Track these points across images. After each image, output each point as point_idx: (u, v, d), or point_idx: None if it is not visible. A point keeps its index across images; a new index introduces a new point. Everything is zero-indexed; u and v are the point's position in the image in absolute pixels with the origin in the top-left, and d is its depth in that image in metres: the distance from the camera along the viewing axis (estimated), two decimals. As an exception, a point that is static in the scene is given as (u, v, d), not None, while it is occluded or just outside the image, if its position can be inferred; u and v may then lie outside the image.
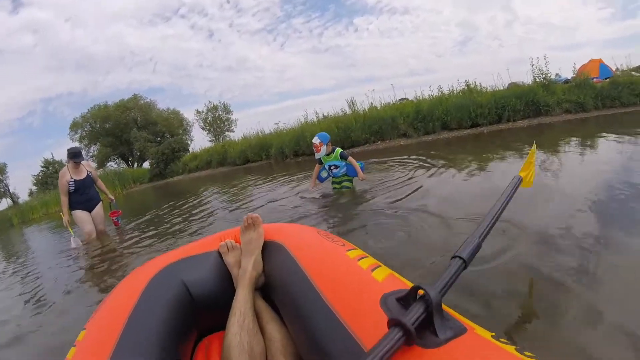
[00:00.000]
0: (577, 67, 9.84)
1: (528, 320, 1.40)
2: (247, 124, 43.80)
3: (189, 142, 25.44)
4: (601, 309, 1.37)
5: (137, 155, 28.71)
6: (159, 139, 26.51)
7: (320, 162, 4.49)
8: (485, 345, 0.61)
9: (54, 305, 2.88)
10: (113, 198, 5.88)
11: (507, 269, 1.76)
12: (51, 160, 30.59)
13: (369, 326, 0.74)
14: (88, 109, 29.12)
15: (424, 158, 5.78)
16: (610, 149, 4.66)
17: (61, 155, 31.92)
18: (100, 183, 5.55)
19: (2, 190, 32.43)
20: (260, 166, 12.62)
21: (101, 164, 28.44)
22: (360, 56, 59.75)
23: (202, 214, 5.43)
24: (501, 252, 1.91)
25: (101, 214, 5.39)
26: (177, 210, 6.42)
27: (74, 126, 29.08)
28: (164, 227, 5.06)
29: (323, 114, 12.63)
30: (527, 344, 1.20)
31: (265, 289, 1.38)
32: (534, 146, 1.85)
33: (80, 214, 5.15)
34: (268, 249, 1.39)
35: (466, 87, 9.85)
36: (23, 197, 30.86)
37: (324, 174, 4.56)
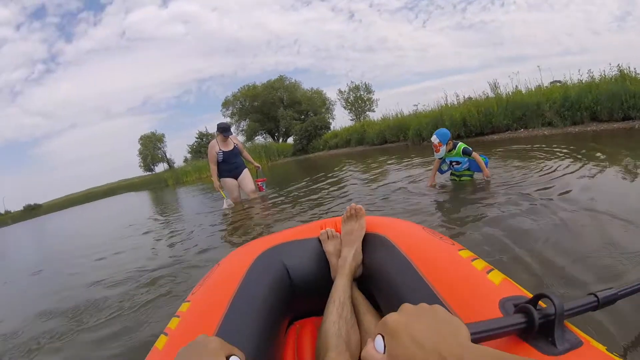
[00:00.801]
0: None
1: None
2: (388, 104, 44.21)
3: (330, 121, 26.87)
4: None
5: (282, 131, 31.18)
6: (302, 117, 28.55)
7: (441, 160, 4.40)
8: (602, 357, 0.61)
9: (193, 253, 3.60)
10: (259, 166, 6.67)
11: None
12: (205, 132, 34.60)
13: None
14: (238, 88, 32.46)
15: (569, 150, 5.20)
16: None
17: (214, 128, 36.86)
18: (245, 154, 6.28)
19: (160, 155, 37.74)
20: (397, 147, 13.05)
21: (250, 137, 31.68)
22: (507, 33, 55.82)
23: (336, 191, 5.88)
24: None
25: (248, 177, 6.17)
26: (315, 185, 7.06)
27: (226, 104, 32.63)
28: (301, 198, 5.62)
29: (463, 96, 12.50)
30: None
31: (362, 281, 1.37)
32: None
33: (228, 182, 5.99)
34: (370, 240, 1.37)
35: (619, 73, 8.85)
36: (178, 162, 35.97)
37: (444, 167, 4.46)
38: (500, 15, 54.43)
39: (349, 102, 29.84)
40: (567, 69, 10.12)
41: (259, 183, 6.62)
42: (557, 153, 5.19)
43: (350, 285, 1.27)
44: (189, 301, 1.08)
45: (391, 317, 0.53)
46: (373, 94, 30.32)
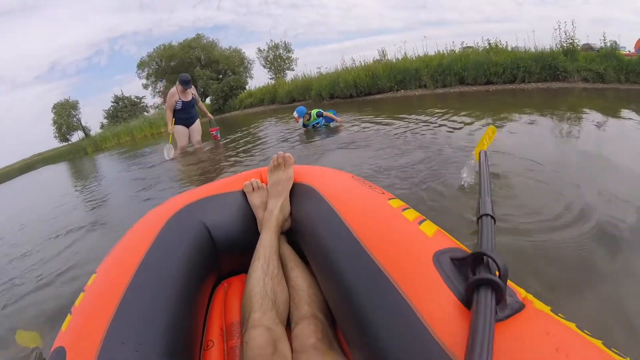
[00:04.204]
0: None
1: (585, 300, 1.30)
2: (311, 62, 43.68)
3: (247, 81, 27.23)
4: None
5: (200, 91, 30.25)
6: (220, 76, 28.23)
7: (304, 125, 6.00)
8: (547, 320, 0.57)
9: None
10: (212, 117, 7.11)
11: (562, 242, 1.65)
12: (121, 96, 33.02)
13: (420, 285, 0.68)
14: (154, 48, 30.79)
15: (434, 105, 6.86)
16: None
17: (130, 91, 34.27)
18: (200, 104, 6.65)
19: (75, 124, 35.62)
20: (303, 105, 13.71)
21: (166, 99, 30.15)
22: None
23: (256, 142, 6.43)
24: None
25: (198, 127, 6.56)
26: (239, 141, 7.16)
27: (141, 65, 30.85)
28: (232, 151, 5.90)
29: (361, 62, 13.64)
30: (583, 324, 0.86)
31: (291, 234, 1.32)
32: (492, 132, 2.04)
33: (180, 129, 6.32)
34: (298, 191, 1.31)
35: (488, 46, 10.51)
36: (95, 129, 33.48)
37: (310, 129, 5.99)
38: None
39: (268, 61, 29.88)
40: (490, 36, 11.35)
41: (213, 132, 7.11)
42: (424, 107, 6.75)
43: (277, 240, 1.22)
44: (95, 273, 1.01)
45: None
46: (292, 53, 30.62)
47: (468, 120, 4.84)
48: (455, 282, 0.65)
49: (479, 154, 1.58)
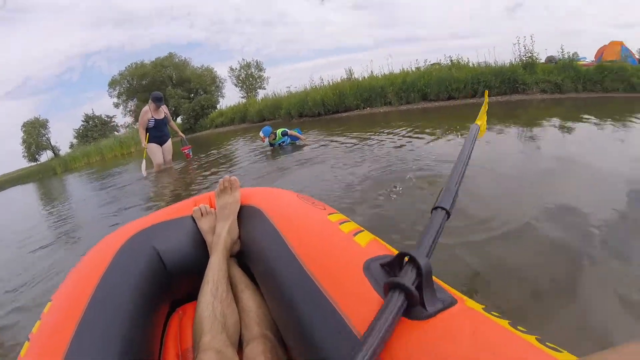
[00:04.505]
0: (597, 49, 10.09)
1: (522, 296, 1.37)
2: (284, 80, 43.94)
3: (218, 99, 27.38)
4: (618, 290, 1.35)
5: (172, 110, 29.88)
6: (192, 95, 28.12)
7: (271, 144, 6.21)
8: (477, 318, 0.59)
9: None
10: (183, 136, 7.27)
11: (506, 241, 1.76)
12: (91, 115, 32.66)
13: (351, 293, 0.72)
14: (126, 67, 30.69)
15: (399, 121, 7.22)
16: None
17: (101, 110, 33.43)
18: (172, 123, 6.74)
19: (45, 143, 34.74)
20: (272, 124, 13.98)
21: (138, 118, 29.55)
22: (402, 15, 58.46)
23: (225, 161, 6.57)
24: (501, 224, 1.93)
25: (170, 147, 6.67)
26: (209, 160, 7.23)
27: (113, 83, 30.68)
28: (202, 170, 6.04)
29: (329, 81, 13.86)
30: (518, 319, 0.85)
31: (241, 256, 1.35)
32: (486, 96, 1.94)
33: (154, 147, 6.38)
34: (244, 214, 1.35)
35: (450, 63, 10.94)
36: (64, 149, 32.96)
37: (277, 147, 6.18)
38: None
39: (239, 80, 29.92)
40: (459, 51, 11.94)
41: (185, 151, 7.28)
42: (388, 123, 7.23)
43: (226, 262, 1.23)
44: (51, 300, 1.01)
45: None
46: (264, 72, 30.81)
47: (430, 132, 5.14)
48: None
49: (470, 128, 1.50)
